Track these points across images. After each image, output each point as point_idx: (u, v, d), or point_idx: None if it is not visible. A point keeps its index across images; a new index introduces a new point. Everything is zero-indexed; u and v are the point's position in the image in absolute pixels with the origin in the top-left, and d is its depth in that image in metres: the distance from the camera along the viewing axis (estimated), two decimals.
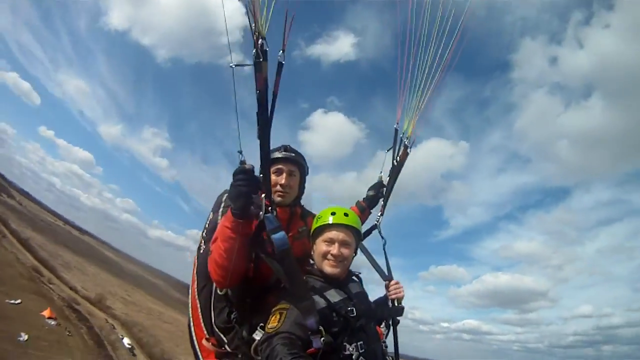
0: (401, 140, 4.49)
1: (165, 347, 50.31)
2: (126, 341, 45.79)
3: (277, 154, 3.49)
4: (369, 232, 4.27)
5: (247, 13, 2.59)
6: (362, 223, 3.85)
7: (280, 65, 2.72)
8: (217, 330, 3.30)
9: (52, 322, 36.52)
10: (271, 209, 2.92)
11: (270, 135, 2.75)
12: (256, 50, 2.54)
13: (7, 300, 34.41)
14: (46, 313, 37.42)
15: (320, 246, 3.24)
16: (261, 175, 2.86)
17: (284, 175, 3.46)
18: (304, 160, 3.65)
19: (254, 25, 2.56)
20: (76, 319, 43.62)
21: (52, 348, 31.23)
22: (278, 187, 3.46)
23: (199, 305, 3.42)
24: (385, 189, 4.56)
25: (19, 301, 35.91)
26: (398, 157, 4.47)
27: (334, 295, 3.06)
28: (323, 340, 2.68)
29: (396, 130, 4.52)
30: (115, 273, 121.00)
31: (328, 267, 3.18)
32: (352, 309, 3.00)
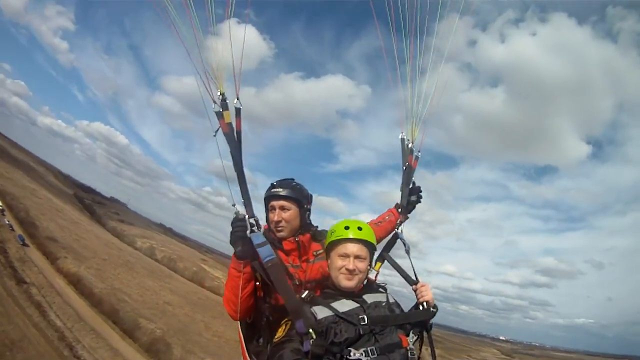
0: (410, 147, 4.73)
1: (32, 214, 64.53)
2: None
3: (266, 194, 3.92)
4: (392, 241, 4.48)
5: (203, 81, 3.55)
6: (390, 230, 4.54)
7: (238, 110, 3.61)
8: (253, 356, 3.74)
9: None
10: (276, 240, 3.80)
11: (242, 165, 3.58)
12: (219, 103, 3.58)
13: None
14: None
15: (335, 260, 3.44)
16: (245, 205, 3.49)
17: (277, 212, 3.77)
18: (298, 191, 3.88)
19: (217, 88, 3.59)
20: None
21: None
22: (273, 224, 3.82)
23: (242, 339, 3.97)
24: (416, 196, 4.75)
25: None
26: (406, 165, 4.69)
27: (344, 305, 3.28)
28: (312, 342, 2.91)
29: (402, 140, 4.75)
30: None
31: (343, 281, 3.36)
32: (364, 317, 3.16)
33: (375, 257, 3.76)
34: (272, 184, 3.95)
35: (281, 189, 3.85)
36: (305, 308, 3.19)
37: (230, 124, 3.60)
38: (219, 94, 3.61)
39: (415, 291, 3.73)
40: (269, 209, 3.91)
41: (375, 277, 3.94)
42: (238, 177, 3.54)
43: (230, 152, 3.58)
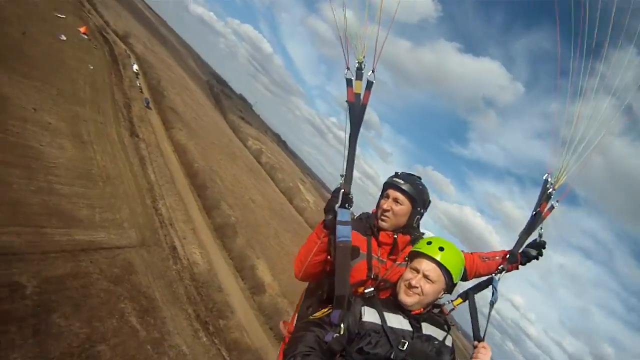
0: (548, 193, 4.14)
1: (163, 85, 70.22)
2: (135, 67, 67.84)
3: (387, 180, 3.89)
4: (484, 284, 4.05)
5: (343, 47, 3.48)
6: (492, 272, 4.05)
7: (370, 83, 3.53)
8: (297, 320, 3.94)
9: (85, 37, 56.64)
10: (375, 228, 3.75)
11: (357, 139, 3.47)
12: (353, 71, 3.53)
13: (54, 13, 53.56)
14: (82, 29, 58.01)
15: (406, 272, 3.40)
16: (345, 179, 3.41)
17: (389, 201, 3.71)
18: (418, 192, 3.75)
19: (355, 55, 3.54)
20: (103, 41, 66.11)
21: (82, 50, 51.41)
22: (380, 211, 3.78)
23: (301, 298, 4.15)
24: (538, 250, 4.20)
25: (64, 16, 56.10)
26: (537, 211, 4.13)
27: (397, 321, 3.17)
28: (335, 336, 2.84)
29: (545, 180, 4.18)
30: (145, 25, 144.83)
31: (402, 293, 3.28)
32: (406, 342, 3.03)
33: (453, 289, 3.58)
34: (395, 173, 3.94)
35: (402, 182, 3.77)
36: (356, 303, 3.17)
37: (358, 94, 3.52)
38: (356, 62, 3.56)
39: (474, 347, 3.42)
40: (383, 195, 3.88)
41: (449, 312, 3.69)
42: (348, 150, 3.46)
43: (349, 122, 3.49)
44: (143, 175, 36.58)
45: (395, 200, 3.72)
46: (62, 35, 48.25)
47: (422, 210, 3.86)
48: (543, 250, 4.22)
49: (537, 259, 4.22)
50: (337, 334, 2.88)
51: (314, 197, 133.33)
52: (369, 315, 3.13)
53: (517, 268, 4.21)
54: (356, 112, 3.49)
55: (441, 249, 3.34)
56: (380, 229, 3.78)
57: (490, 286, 3.97)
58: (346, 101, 3.52)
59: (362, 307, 3.15)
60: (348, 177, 3.41)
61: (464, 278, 3.93)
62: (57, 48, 44.20)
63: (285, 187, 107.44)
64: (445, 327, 3.40)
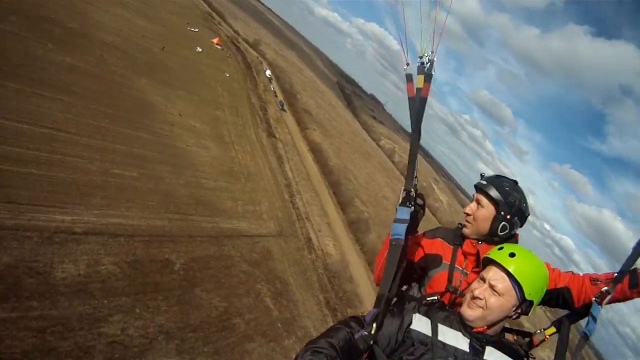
0: None
1: (295, 88, 73.89)
2: (268, 72, 72.74)
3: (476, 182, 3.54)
4: (583, 312, 3.12)
5: (402, 43, 3.38)
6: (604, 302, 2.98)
7: (429, 75, 3.33)
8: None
9: (218, 47, 61.73)
10: (460, 234, 3.47)
11: (419, 135, 3.32)
12: (416, 66, 3.36)
13: (188, 28, 60.45)
14: (215, 40, 63.16)
15: (474, 281, 2.90)
16: (406, 177, 3.37)
17: (472, 204, 3.41)
18: (503, 194, 3.27)
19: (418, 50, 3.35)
20: (235, 50, 71.25)
21: (217, 60, 56.20)
22: (464, 216, 3.49)
23: None
24: None
25: (197, 30, 62.79)
26: None
27: (454, 338, 2.70)
28: (364, 334, 2.54)
29: None
30: (273, 32, 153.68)
31: (465, 306, 2.77)
32: None
33: (529, 309, 2.80)
34: (481, 175, 3.59)
35: (486, 183, 3.39)
36: (410, 309, 2.82)
37: (419, 89, 3.33)
38: (418, 57, 3.39)
39: None
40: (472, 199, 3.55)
41: (539, 342, 3.16)
42: (410, 146, 3.35)
43: (410, 117, 3.33)
44: (281, 172, 38.89)
45: (478, 203, 3.37)
46: (198, 48, 54.19)
47: (508, 217, 3.27)
48: None
49: None
50: (366, 333, 2.56)
51: (448, 197, 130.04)
52: (420, 323, 2.74)
53: (630, 295, 2.98)
54: (417, 106, 3.28)
55: (512, 255, 2.72)
56: (464, 236, 3.47)
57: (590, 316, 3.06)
58: (408, 96, 3.37)
59: (415, 314, 2.78)
60: (409, 174, 3.32)
61: (569, 305, 3.21)
62: (195, 59, 49.64)
63: (419, 186, 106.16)
64: (517, 358, 2.80)
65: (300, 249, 29.91)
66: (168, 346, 15.17)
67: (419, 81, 3.33)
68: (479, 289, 2.71)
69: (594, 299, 3.04)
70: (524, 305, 2.72)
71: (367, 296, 31.77)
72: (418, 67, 3.36)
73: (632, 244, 2.98)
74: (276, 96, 62.82)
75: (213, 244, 22.00)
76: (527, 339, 3.17)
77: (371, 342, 2.54)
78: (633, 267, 2.98)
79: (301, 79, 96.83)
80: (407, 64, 3.41)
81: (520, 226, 3.37)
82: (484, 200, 3.30)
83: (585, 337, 2.99)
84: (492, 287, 2.67)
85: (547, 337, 3.16)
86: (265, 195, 32.14)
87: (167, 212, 21.17)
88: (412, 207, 3.21)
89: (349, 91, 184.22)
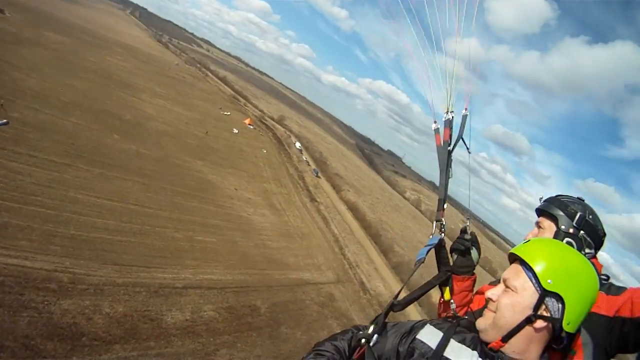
0: None
1: (324, 155, 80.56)
2: (298, 144, 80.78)
3: None
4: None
5: (430, 103, 3.48)
6: None
7: (447, 121, 3.33)
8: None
9: (251, 127, 68.73)
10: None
11: (449, 172, 3.21)
12: (442, 121, 3.34)
13: (221, 112, 69.64)
14: (247, 121, 69.95)
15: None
16: (438, 208, 3.22)
17: (533, 230, 2.85)
18: (561, 206, 2.70)
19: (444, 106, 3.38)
20: (265, 128, 78.75)
21: (252, 138, 63.25)
22: None
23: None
24: None
25: (228, 113, 70.85)
26: None
27: (462, 354, 1.95)
28: (358, 334, 2.20)
29: None
30: (291, 105, 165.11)
31: (479, 317, 2.05)
32: None
33: (560, 323, 1.77)
34: (540, 198, 2.99)
35: (544, 203, 2.83)
36: (420, 321, 2.18)
37: (446, 141, 3.26)
38: (445, 112, 3.34)
39: None
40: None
41: None
42: (440, 187, 3.22)
43: (439, 162, 3.23)
44: (328, 230, 44.67)
45: (538, 226, 2.81)
46: (234, 129, 61.58)
47: (570, 231, 2.60)
48: None
49: None
50: (361, 332, 2.23)
51: (479, 236, 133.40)
52: (428, 335, 2.09)
53: None
54: (442, 153, 3.27)
55: (527, 241, 1.97)
56: None
57: None
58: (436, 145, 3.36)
59: (427, 325, 2.14)
60: (439, 204, 3.22)
61: None
62: (234, 140, 56.90)
63: (448, 230, 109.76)
64: None
65: (357, 292, 34.86)
66: None
67: (445, 134, 3.30)
68: (490, 292, 1.97)
69: None
70: (548, 301, 1.73)
71: None
72: (444, 122, 3.33)
73: None
74: (309, 165, 69.67)
75: (287, 291, 27.09)
76: None
77: (362, 341, 2.14)
78: None
79: (326, 147, 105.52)
80: (435, 122, 3.39)
81: (597, 248, 2.61)
82: (545, 222, 2.76)
83: None
84: (504, 281, 1.91)
85: None
86: (320, 250, 37.42)
87: (246, 268, 26.38)
88: (443, 235, 3.13)
89: (368, 151, 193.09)
